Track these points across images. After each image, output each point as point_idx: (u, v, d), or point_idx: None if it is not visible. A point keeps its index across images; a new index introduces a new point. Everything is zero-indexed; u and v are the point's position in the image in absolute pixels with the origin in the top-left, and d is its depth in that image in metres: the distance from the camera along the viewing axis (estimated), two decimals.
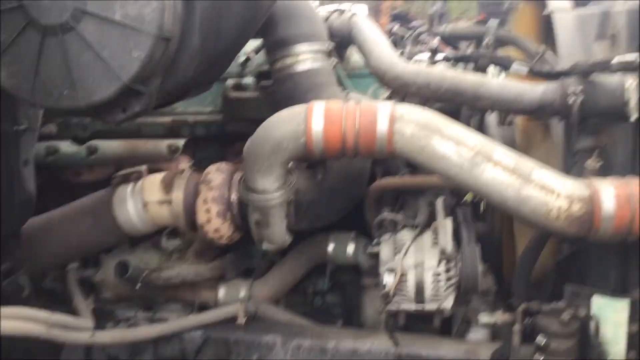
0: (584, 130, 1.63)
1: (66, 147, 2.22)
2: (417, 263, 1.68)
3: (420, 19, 3.59)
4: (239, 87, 2.23)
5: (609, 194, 1.42)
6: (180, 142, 2.19)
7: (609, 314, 1.53)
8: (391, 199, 2.02)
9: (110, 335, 1.84)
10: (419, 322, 1.85)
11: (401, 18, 3.55)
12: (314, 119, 1.55)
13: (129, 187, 1.87)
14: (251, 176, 1.65)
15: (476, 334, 1.83)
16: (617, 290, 1.56)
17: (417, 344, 1.77)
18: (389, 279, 1.68)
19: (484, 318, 1.70)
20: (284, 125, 1.58)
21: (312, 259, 2.08)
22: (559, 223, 1.43)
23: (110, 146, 2.19)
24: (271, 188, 1.65)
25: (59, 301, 1.99)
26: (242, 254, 2.14)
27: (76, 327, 1.77)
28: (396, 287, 1.68)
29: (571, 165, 1.65)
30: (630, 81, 1.49)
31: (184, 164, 2.15)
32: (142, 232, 1.90)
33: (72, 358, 1.92)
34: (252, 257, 2.17)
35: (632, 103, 1.48)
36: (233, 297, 2.01)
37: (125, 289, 2.02)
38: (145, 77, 1.34)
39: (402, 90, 1.75)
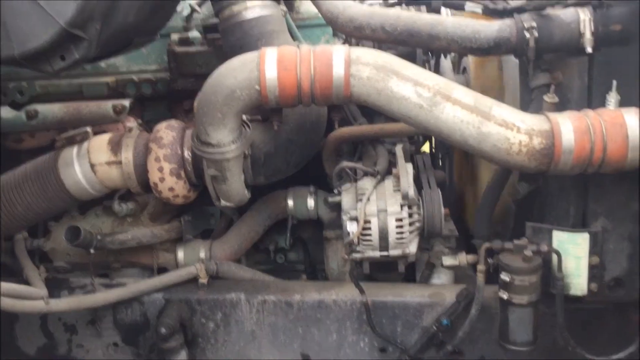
0: (539, 66, 1.62)
1: (4, 113, 2.09)
2: (380, 209, 1.66)
3: None
4: (185, 41, 2.13)
5: (568, 127, 1.42)
6: (126, 102, 2.09)
7: (570, 248, 1.55)
8: (349, 148, 1.99)
9: (66, 302, 1.77)
10: (383, 270, 1.85)
11: None
12: (267, 66, 1.49)
13: (74, 150, 1.79)
14: (204, 129, 1.59)
15: (440, 278, 1.84)
16: (576, 224, 1.58)
17: (383, 291, 1.77)
18: (352, 228, 1.65)
19: (448, 261, 1.70)
20: (235, 73, 1.52)
21: (271, 216, 2.04)
22: (520, 158, 1.43)
23: (51, 109, 2.07)
24: (226, 140, 1.59)
25: (11, 275, 1.89)
26: (199, 214, 2.09)
27: (29, 296, 1.69)
28: (360, 235, 1.65)
29: (528, 103, 1.64)
30: (584, 14, 1.48)
31: (131, 123, 2.05)
32: (92, 195, 1.83)
33: (27, 329, 1.84)
34: (210, 217, 2.12)
35: (588, 35, 1.47)
36: (193, 258, 1.96)
37: (78, 256, 1.94)
38: (83, 21, 1.26)
39: (356, 34, 1.70)
